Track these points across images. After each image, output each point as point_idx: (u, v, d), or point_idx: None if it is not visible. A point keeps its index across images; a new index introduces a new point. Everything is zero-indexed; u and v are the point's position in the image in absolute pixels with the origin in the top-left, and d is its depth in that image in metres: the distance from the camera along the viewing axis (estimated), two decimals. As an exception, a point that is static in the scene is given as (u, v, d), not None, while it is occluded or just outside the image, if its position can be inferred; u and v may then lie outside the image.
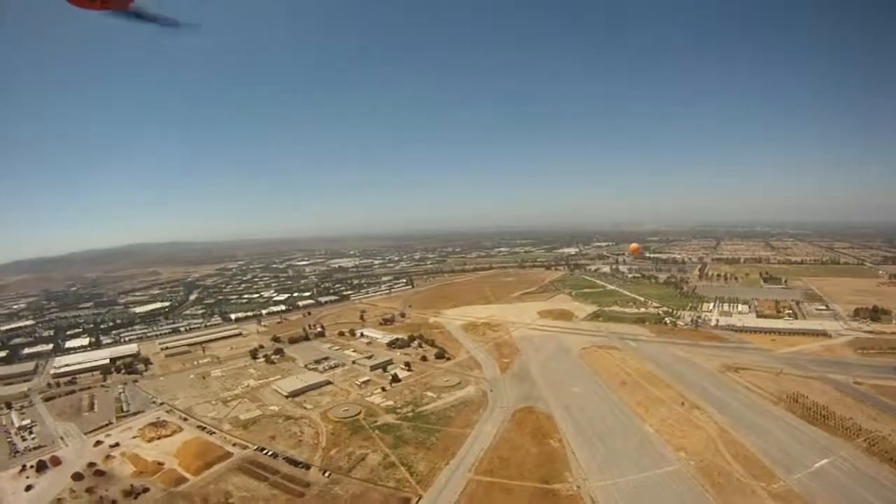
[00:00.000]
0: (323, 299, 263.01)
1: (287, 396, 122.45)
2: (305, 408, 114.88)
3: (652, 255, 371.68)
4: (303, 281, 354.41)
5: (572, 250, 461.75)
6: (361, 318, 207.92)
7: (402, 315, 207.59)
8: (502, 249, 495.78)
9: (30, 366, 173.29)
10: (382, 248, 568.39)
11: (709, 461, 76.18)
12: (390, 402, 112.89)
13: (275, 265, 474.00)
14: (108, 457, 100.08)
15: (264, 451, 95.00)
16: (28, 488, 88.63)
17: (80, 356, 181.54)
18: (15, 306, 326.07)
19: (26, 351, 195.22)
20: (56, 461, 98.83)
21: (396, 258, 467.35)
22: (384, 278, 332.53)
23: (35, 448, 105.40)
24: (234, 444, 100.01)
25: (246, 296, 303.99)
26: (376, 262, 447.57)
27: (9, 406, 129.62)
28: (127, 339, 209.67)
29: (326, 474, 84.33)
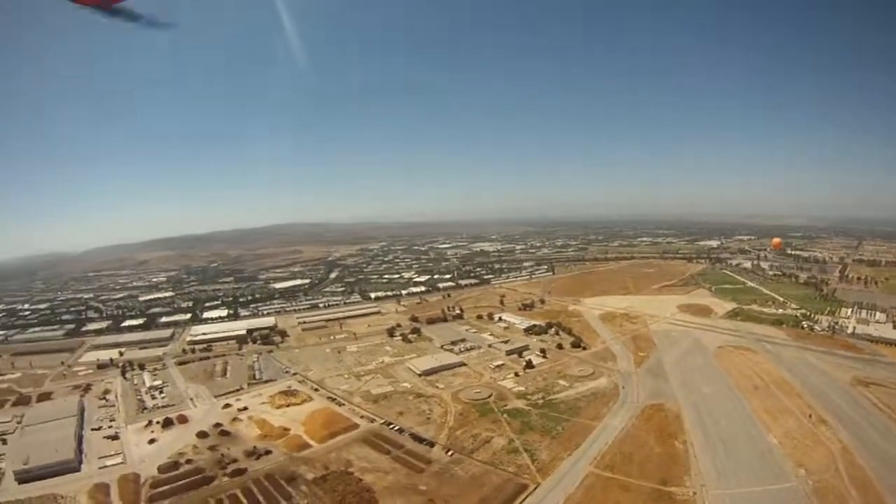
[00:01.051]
0: (463, 282, 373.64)
1: (420, 375, 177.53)
2: (437, 387, 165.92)
3: (793, 252, 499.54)
4: (444, 263, 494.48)
5: (714, 243, 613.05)
6: (501, 302, 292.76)
7: (542, 301, 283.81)
8: (644, 239, 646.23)
9: (166, 333, 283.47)
10: (525, 234, 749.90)
11: (826, 482, 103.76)
12: (522, 388, 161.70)
13: (416, 247, 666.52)
14: (234, 419, 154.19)
15: (391, 426, 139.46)
16: (151, 441, 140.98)
17: (217, 326, 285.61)
18: (155, 279, 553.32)
19: (164, 319, 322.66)
20: (183, 419, 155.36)
21: (538, 244, 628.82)
22: (525, 264, 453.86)
23: (163, 406, 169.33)
24: (362, 417, 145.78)
25: (386, 276, 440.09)
26: (518, 247, 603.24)
27: (142, 367, 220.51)
28: (265, 312, 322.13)
29: (449, 453, 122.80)
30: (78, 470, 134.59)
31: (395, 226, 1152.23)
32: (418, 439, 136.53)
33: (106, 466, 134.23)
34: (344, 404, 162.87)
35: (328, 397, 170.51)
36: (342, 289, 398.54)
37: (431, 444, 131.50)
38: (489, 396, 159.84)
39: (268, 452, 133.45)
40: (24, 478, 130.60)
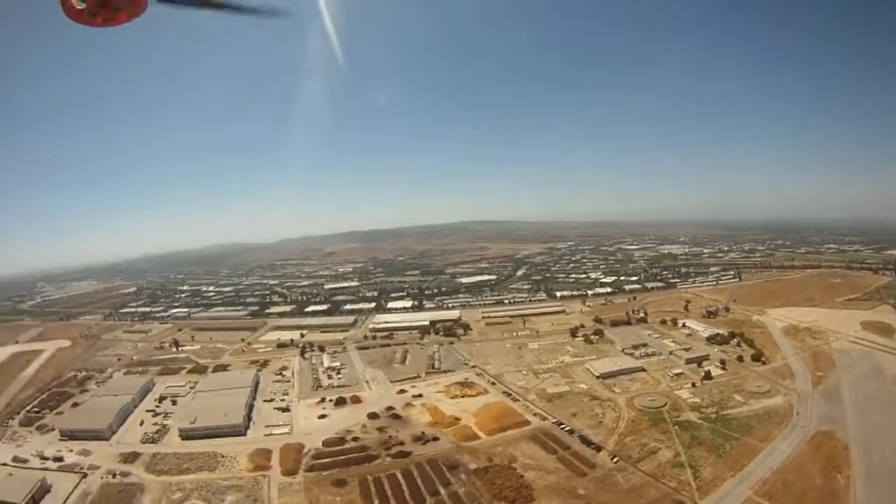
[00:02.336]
0: (649, 285, 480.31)
1: (598, 377, 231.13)
2: (613, 391, 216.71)
3: None
4: (631, 265, 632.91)
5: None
6: (685, 308, 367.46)
7: (727, 309, 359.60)
8: (831, 246, 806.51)
9: (349, 319, 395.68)
10: (712, 237, 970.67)
11: None
12: (697, 400, 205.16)
13: (604, 247, 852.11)
14: (407, 405, 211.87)
15: (562, 426, 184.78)
16: (321, 417, 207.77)
17: (401, 316, 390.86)
18: (341, 270, 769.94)
19: (348, 307, 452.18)
20: (356, 400, 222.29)
21: (726, 248, 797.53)
22: (712, 268, 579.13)
23: (339, 386, 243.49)
24: (535, 414, 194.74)
25: (573, 275, 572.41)
26: (705, 250, 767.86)
27: (322, 349, 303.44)
28: (450, 305, 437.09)
29: (614, 460, 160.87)
30: (243, 434, 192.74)
31: (584, 225, 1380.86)
32: (586, 442, 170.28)
33: (272, 434, 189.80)
34: (518, 400, 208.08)
35: (504, 392, 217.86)
36: (528, 286, 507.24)
37: (598, 449, 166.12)
38: (663, 405, 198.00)
39: (435, 439, 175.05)
40: (188, 435, 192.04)
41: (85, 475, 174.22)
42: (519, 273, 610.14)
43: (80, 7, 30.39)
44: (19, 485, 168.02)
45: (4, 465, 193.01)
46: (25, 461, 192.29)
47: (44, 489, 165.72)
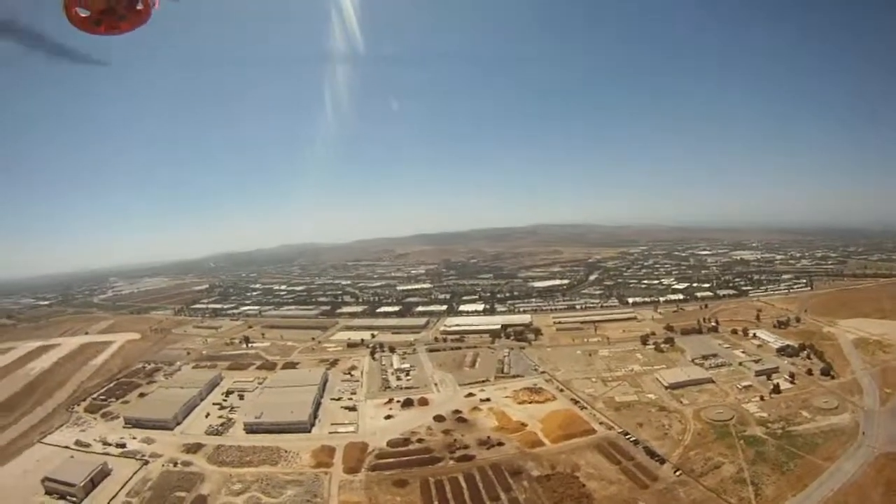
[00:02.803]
0: (721, 292, 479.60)
1: (667, 387, 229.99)
2: (681, 402, 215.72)
3: None
4: (703, 271, 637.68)
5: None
6: (757, 317, 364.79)
7: (797, 320, 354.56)
8: None
9: (421, 321, 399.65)
10: (785, 243, 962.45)
11: None
12: (764, 414, 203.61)
13: (676, 253, 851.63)
14: (475, 408, 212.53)
15: (627, 436, 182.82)
16: (388, 417, 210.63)
17: (472, 319, 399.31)
18: (413, 271, 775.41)
19: (419, 309, 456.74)
20: (423, 402, 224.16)
21: (798, 254, 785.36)
22: (784, 276, 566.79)
23: (407, 388, 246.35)
24: (601, 423, 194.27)
25: (645, 281, 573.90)
26: (778, 257, 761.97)
27: (392, 350, 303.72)
28: (521, 309, 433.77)
29: (677, 473, 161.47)
30: (308, 431, 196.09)
31: (657, 229, 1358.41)
32: (651, 454, 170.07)
33: (337, 432, 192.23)
34: (586, 408, 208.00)
35: (572, 399, 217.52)
36: (600, 292, 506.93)
37: (662, 461, 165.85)
38: (730, 419, 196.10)
39: (500, 444, 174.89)
40: (252, 429, 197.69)
41: (146, 462, 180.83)
42: (591, 278, 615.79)
43: (83, 15, 31.91)
44: (80, 467, 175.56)
45: (67, 448, 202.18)
46: (87, 445, 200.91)
47: (103, 473, 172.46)
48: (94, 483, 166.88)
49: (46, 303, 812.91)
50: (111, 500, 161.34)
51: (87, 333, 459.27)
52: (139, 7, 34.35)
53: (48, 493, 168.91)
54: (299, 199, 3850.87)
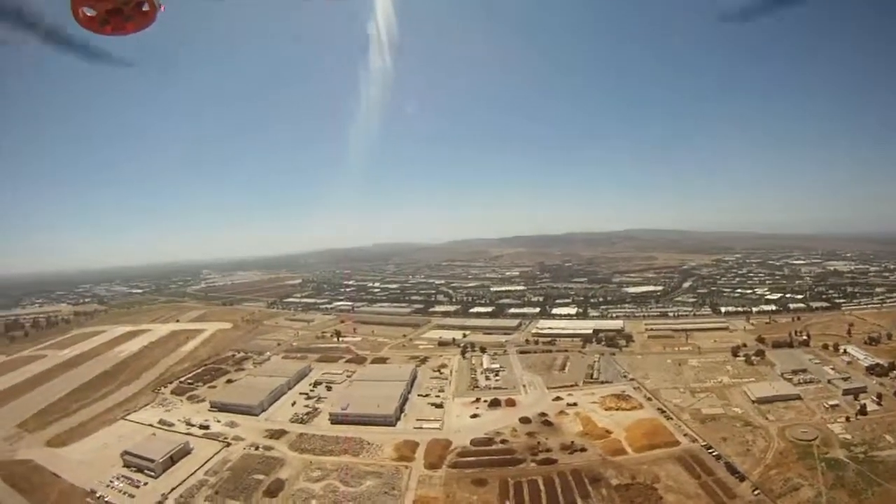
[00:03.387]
0: (814, 304, 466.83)
1: (753, 402, 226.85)
2: (767, 418, 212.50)
3: None
4: (797, 282, 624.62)
5: None
6: (848, 332, 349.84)
7: (889, 336, 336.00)
8: None
9: (513, 323, 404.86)
10: (880, 253, 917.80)
11: None
12: (848, 436, 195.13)
13: (771, 261, 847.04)
14: (561, 412, 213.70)
15: (710, 451, 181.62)
16: (473, 416, 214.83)
17: (564, 323, 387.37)
18: (508, 273, 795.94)
19: (512, 310, 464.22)
20: (510, 403, 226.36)
21: (893, 266, 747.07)
22: (877, 289, 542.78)
23: (495, 388, 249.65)
24: (685, 435, 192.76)
25: (738, 290, 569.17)
26: (872, 268, 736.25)
27: (483, 350, 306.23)
28: (614, 314, 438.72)
29: (755, 492, 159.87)
30: (393, 425, 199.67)
31: (751, 236, 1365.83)
32: (731, 470, 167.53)
33: (422, 428, 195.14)
34: (672, 419, 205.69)
35: (658, 408, 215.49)
36: (693, 300, 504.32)
37: (742, 478, 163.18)
38: (814, 439, 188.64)
39: (583, 450, 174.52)
40: (337, 420, 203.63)
41: (228, 444, 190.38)
42: (685, 285, 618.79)
43: (90, 14, 32.96)
44: (161, 444, 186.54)
45: (150, 426, 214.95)
46: (171, 425, 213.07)
47: (184, 451, 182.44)
48: (173, 460, 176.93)
49: (139, 291, 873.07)
50: (188, 476, 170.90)
51: (177, 321, 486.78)
52: (145, 9, 35.36)
53: (126, 465, 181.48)
54: (396, 199, 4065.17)
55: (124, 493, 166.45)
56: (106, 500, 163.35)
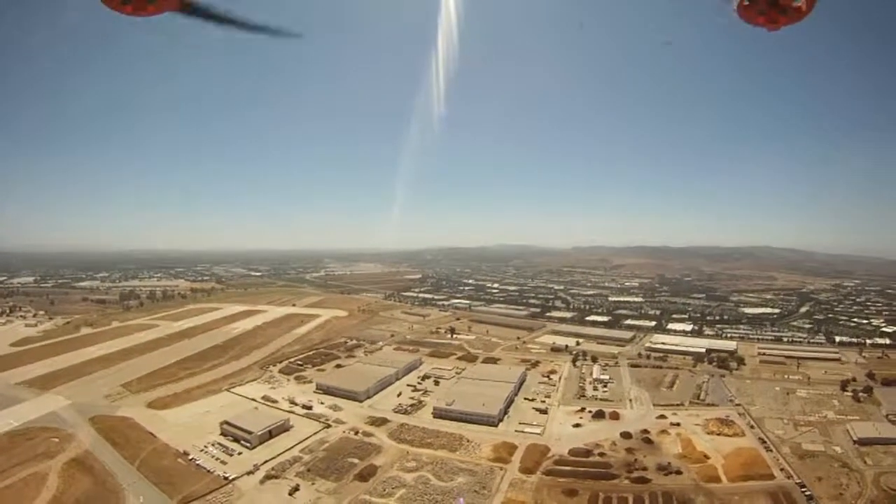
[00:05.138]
0: None
1: (854, 442, 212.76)
2: (865, 461, 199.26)
3: None
4: None
5: None
6: None
7: None
8: None
9: (627, 335, 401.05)
10: None
11: None
12: None
13: (891, 290, 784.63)
14: (662, 431, 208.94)
15: (803, 490, 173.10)
16: (576, 425, 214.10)
17: (678, 339, 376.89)
18: (627, 283, 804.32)
19: (628, 322, 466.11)
20: (615, 416, 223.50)
21: None
22: None
23: (601, 399, 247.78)
24: (782, 470, 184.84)
25: (854, 320, 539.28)
26: None
27: (594, 360, 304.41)
28: (728, 335, 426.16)
29: None
30: (495, 426, 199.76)
31: (875, 262, 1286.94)
32: None
33: (523, 432, 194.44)
34: (771, 450, 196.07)
35: (759, 438, 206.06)
36: (809, 325, 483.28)
37: None
38: None
39: (678, 472, 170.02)
40: (440, 414, 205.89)
41: (328, 426, 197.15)
42: (802, 310, 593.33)
43: None
44: (261, 418, 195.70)
45: (253, 400, 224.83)
46: (274, 402, 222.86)
47: (283, 427, 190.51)
48: (271, 434, 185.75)
49: (258, 274, 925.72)
50: (283, 452, 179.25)
51: (294, 305, 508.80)
52: None
53: (223, 433, 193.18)
54: (521, 201, 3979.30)
55: (216, 459, 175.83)
56: (197, 462, 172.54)
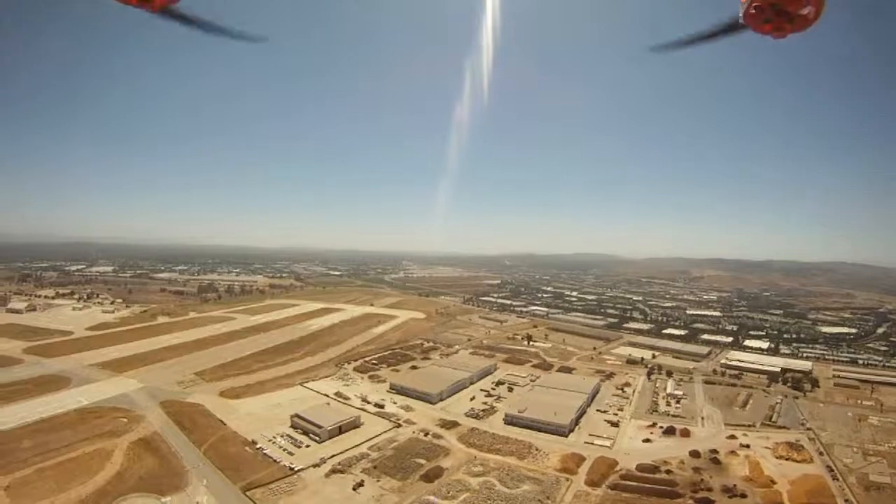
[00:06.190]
0: None
1: None
2: None
3: None
4: None
5: None
6: None
7: None
8: None
9: (703, 350, 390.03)
10: None
11: None
12: None
13: None
14: (732, 452, 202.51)
15: None
16: (646, 441, 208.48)
17: (754, 357, 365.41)
18: (705, 297, 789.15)
19: (704, 337, 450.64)
20: (685, 433, 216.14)
21: None
22: None
23: (673, 416, 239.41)
24: (846, 501, 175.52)
25: None
26: None
27: (669, 374, 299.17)
28: (804, 354, 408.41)
29: None
30: (565, 436, 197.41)
31: None
32: None
33: (592, 444, 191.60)
34: (838, 479, 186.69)
35: (827, 466, 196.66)
36: (885, 348, 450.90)
37: None
38: None
39: (742, 496, 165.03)
40: (511, 421, 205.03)
41: (399, 426, 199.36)
42: (879, 330, 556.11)
43: None
44: (332, 413, 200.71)
45: (326, 395, 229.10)
46: (347, 399, 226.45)
47: (353, 424, 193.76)
48: (341, 430, 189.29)
49: (337, 273, 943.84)
50: (352, 448, 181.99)
51: (372, 305, 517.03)
52: None
53: (293, 426, 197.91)
54: (601, 210, 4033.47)
55: (284, 450, 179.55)
56: (264, 452, 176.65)
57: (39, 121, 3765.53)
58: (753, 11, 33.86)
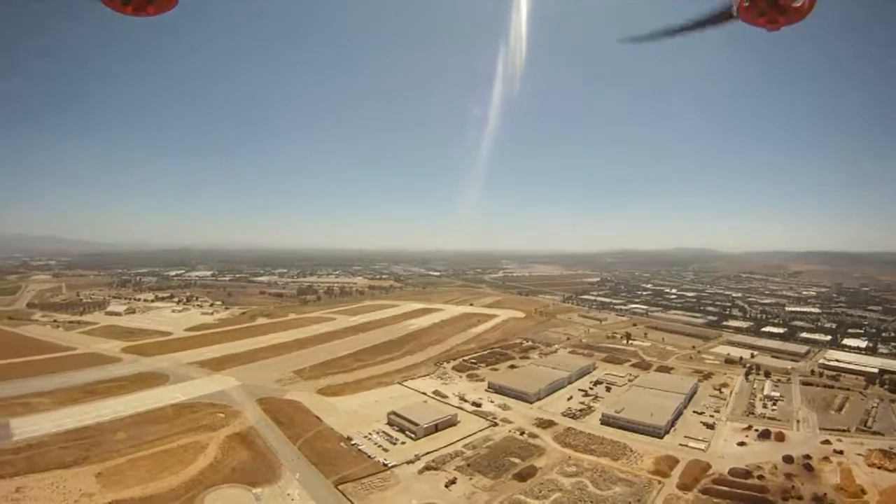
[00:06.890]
0: None
1: None
2: None
3: None
4: None
5: None
6: None
7: None
8: None
9: (802, 349, 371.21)
10: None
11: None
12: None
13: None
14: (825, 458, 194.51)
15: None
16: (740, 444, 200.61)
17: (853, 357, 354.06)
18: (805, 292, 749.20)
19: (803, 335, 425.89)
20: (780, 437, 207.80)
21: None
22: None
23: (769, 418, 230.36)
24: None
25: None
26: None
27: (767, 375, 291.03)
28: None
29: None
30: (661, 437, 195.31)
31: None
32: None
33: (687, 446, 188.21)
34: None
35: None
36: None
37: None
38: None
39: None
40: (608, 421, 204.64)
41: (495, 424, 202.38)
42: None
43: None
44: (429, 411, 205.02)
45: (424, 394, 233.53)
46: (444, 397, 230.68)
47: (450, 422, 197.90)
48: (437, 428, 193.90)
49: (436, 274, 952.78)
50: (447, 445, 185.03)
51: (471, 305, 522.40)
52: None
53: (390, 423, 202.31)
54: (698, 203, 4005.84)
55: (379, 447, 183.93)
56: (359, 448, 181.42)
57: (137, 138, 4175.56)
58: (747, 4, 34.03)
